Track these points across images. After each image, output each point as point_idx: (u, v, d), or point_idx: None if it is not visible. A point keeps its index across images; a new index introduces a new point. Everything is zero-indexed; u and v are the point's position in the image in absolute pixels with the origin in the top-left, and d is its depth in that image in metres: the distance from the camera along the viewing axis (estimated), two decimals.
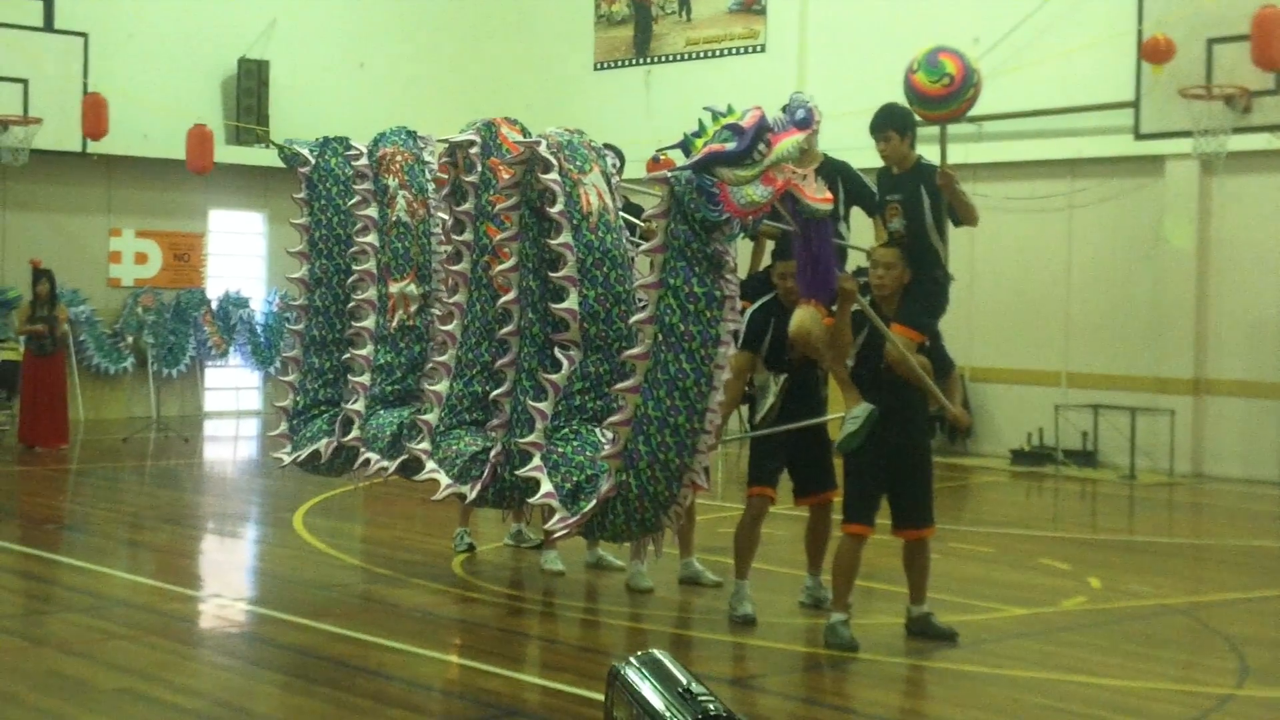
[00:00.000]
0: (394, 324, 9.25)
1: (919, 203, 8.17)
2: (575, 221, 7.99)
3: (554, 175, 8.00)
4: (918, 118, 8.37)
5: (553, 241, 7.99)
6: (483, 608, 9.07)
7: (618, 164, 8.73)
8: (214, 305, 21.01)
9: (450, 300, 8.79)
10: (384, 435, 8.96)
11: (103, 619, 8.54)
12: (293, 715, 6.75)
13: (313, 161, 9.80)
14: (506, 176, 8.29)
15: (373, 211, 9.39)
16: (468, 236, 8.68)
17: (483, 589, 9.50)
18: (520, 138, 8.50)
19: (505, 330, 8.34)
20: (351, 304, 9.42)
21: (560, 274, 7.98)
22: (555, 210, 7.97)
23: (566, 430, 7.99)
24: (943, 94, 8.04)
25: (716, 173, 7.25)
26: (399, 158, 9.41)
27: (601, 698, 6.73)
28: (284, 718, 6.75)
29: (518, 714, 6.79)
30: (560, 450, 7.94)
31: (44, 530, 11.64)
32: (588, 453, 7.85)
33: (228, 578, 10.35)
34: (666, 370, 7.39)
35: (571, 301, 7.97)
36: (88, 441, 17.72)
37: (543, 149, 8.04)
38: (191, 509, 13.40)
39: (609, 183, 8.28)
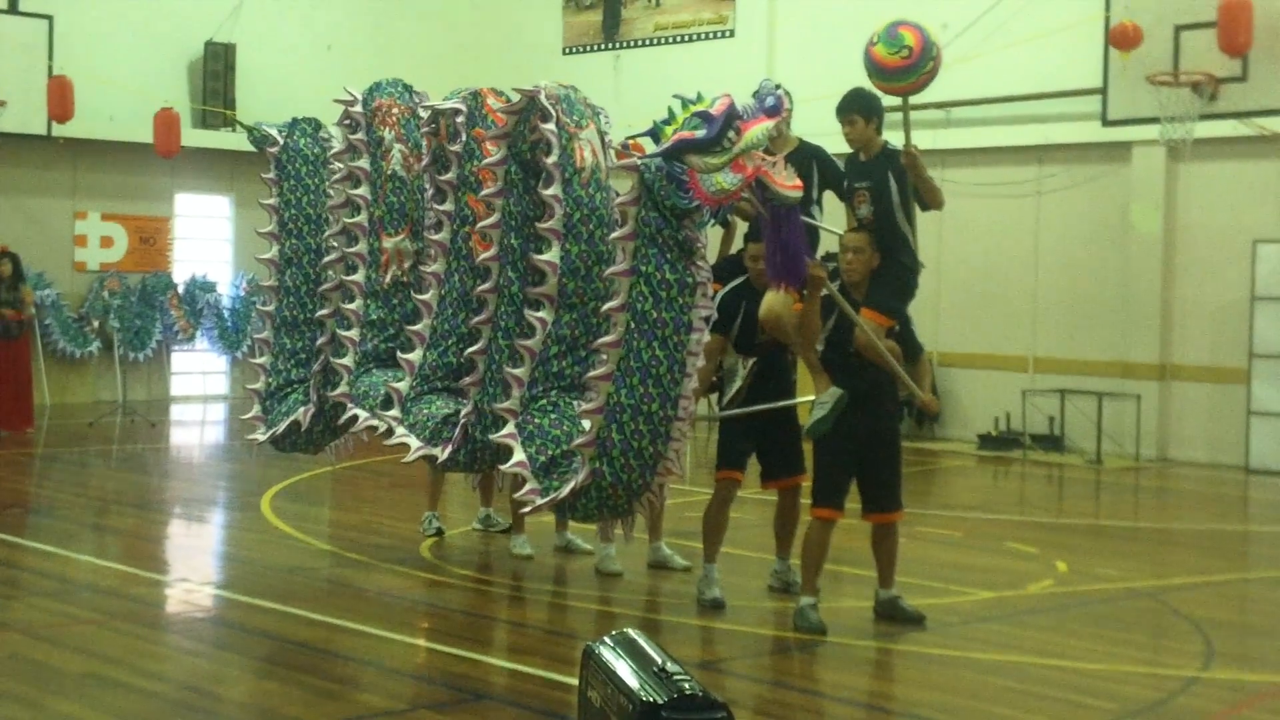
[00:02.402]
0: (387, 279, 9.17)
1: (886, 188, 8.18)
2: (568, 175, 7.98)
3: (551, 125, 7.99)
4: (879, 92, 8.36)
5: (544, 192, 7.98)
6: (451, 592, 9.06)
7: (610, 122, 8.69)
8: (180, 289, 20.90)
9: (428, 270, 8.77)
10: (377, 393, 8.89)
11: (68, 603, 8.50)
12: (260, 699, 6.73)
13: (281, 142, 9.75)
14: (498, 125, 8.27)
15: (365, 163, 9.27)
16: (449, 206, 8.66)
17: (451, 573, 9.49)
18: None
19: (483, 288, 8.32)
20: (339, 255, 9.28)
21: (546, 225, 7.97)
22: (550, 161, 7.95)
23: (545, 401, 7.99)
24: (901, 66, 8.04)
25: (686, 160, 7.25)
26: (395, 110, 9.27)
27: (570, 681, 6.75)
28: (252, 702, 6.73)
29: (486, 697, 6.78)
30: (537, 421, 7.95)
31: (9, 514, 11.57)
32: (565, 426, 7.85)
33: (194, 562, 10.30)
34: (639, 358, 7.39)
35: (553, 254, 7.96)
36: (53, 425, 17.62)
37: (541, 98, 8.04)
38: (158, 493, 13.34)
39: (603, 141, 8.27)
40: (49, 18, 19.06)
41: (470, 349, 8.40)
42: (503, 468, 8.07)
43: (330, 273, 9.35)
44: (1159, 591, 9.54)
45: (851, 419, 7.87)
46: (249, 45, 21.06)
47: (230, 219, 21.64)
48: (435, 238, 8.72)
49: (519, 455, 7.90)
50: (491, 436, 8.13)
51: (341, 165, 9.34)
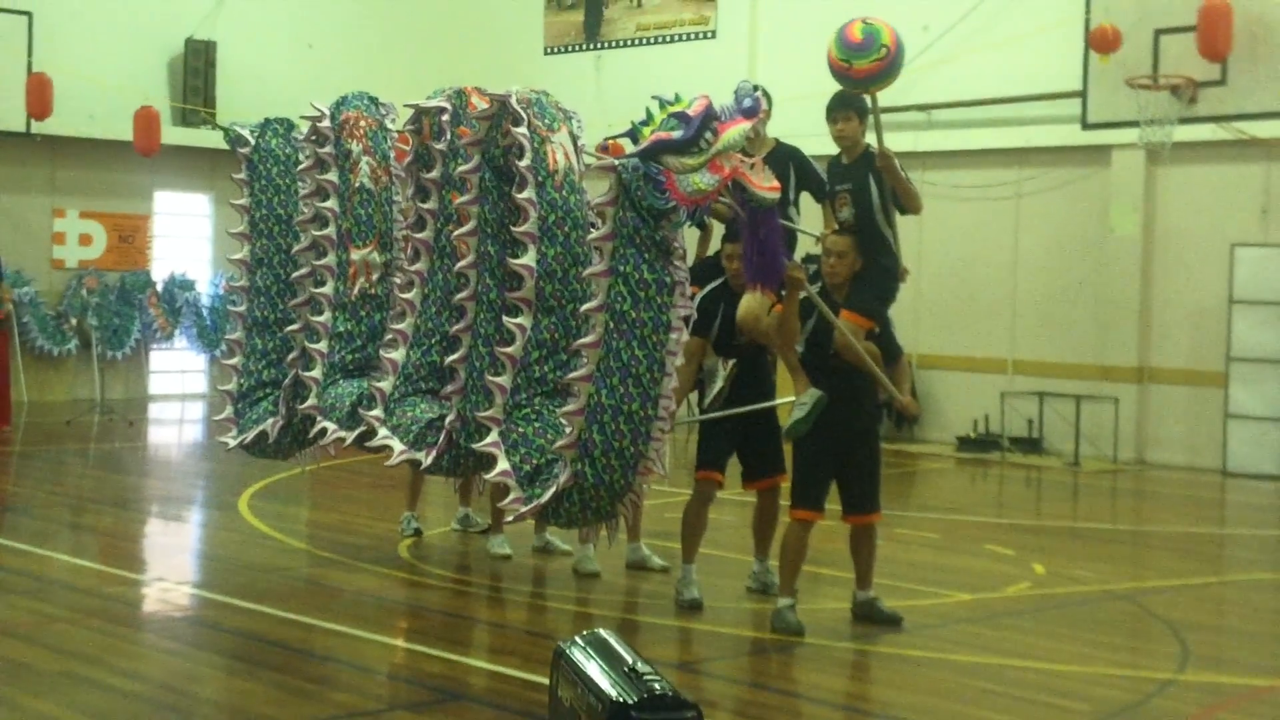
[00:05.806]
0: (355, 291, 9.21)
1: (867, 190, 8.18)
2: (541, 178, 8.00)
3: (523, 129, 8.00)
4: (873, 97, 8.30)
5: (518, 195, 7.98)
6: (429, 592, 9.05)
7: (582, 126, 8.69)
8: (159, 287, 20.84)
9: (411, 268, 8.78)
10: (343, 405, 8.94)
11: (44, 602, 8.47)
12: (237, 699, 6.71)
13: (253, 143, 9.76)
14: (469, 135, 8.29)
15: (334, 176, 9.30)
16: (432, 204, 8.66)
17: (429, 573, 9.48)
18: None
19: (461, 296, 8.33)
20: (309, 270, 9.32)
21: (521, 229, 7.97)
22: (523, 164, 7.96)
23: (528, 410, 7.98)
24: (893, 52, 7.91)
25: (663, 160, 7.26)
26: (362, 123, 9.32)
27: (548, 682, 6.74)
28: (228, 701, 6.71)
29: (463, 698, 6.78)
30: (521, 430, 7.95)
31: None
32: (548, 435, 7.85)
33: (172, 561, 10.27)
34: (619, 358, 7.40)
35: (529, 258, 7.96)
36: (30, 424, 17.55)
37: (513, 102, 8.04)
38: (135, 492, 13.30)
39: (575, 144, 8.28)
40: (28, 14, 19.00)
41: (451, 357, 8.40)
42: (487, 477, 8.08)
43: (299, 288, 9.38)
44: (1135, 594, 9.56)
45: (831, 420, 7.87)
46: (230, 43, 21.01)
47: (210, 217, 21.58)
48: (419, 236, 8.72)
49: (503, 464, 7.89)
50: (475, 445, 8.12)
51: (310, 181, 9.36)
